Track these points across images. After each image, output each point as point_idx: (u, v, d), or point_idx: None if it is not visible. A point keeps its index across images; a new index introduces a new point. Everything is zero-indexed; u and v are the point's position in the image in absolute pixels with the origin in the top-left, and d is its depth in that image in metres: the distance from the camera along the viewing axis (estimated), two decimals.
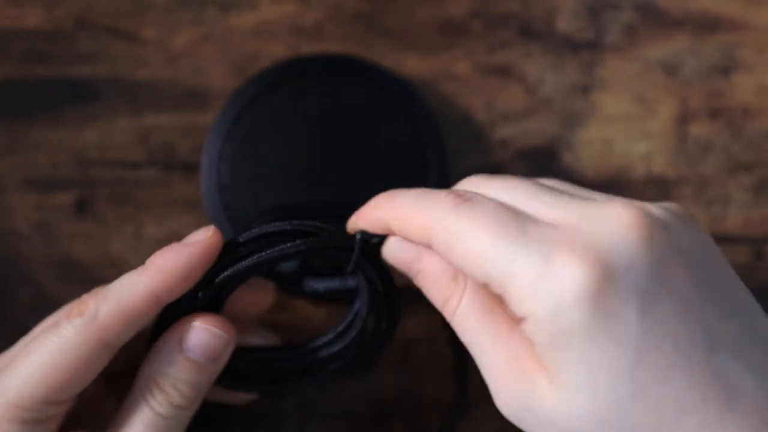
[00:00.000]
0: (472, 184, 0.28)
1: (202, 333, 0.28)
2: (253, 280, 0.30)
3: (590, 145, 0.39)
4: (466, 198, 0.26)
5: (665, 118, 0.39)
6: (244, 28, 0.39)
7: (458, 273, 0.27)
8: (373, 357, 0.31)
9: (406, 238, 0.27)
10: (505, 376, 0.25)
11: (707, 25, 0.40)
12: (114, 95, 0.38)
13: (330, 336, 0.31)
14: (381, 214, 0.28)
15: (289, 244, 0.28)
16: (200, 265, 0.28)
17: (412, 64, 0.39)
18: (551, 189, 0.26)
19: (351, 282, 0.36)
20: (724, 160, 0.39)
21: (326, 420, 0.36)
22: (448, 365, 0.37)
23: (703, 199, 0.38)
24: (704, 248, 0.25)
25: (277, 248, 0.28)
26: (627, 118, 0.39)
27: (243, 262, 0.28)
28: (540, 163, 0.38)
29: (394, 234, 0.28)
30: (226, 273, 0.28)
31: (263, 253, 0.28)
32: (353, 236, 0.29)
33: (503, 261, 0.24)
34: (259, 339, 0.33)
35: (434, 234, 0.26)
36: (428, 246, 0.27)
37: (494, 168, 0.38)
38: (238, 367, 0.30)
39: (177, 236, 0.29)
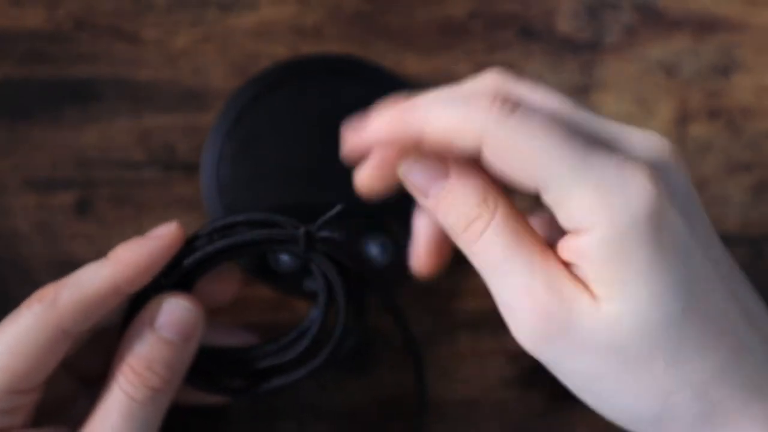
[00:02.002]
0: (502, 83, 0.26)
1: (172, 309, 0.28)
2: (217, 270, 0.30)
3: None
4: (513, 107, 0.24)
5: (665, 119, 0.39)
6: (245, 29, 0.39)
7: (488, 194, 0.26)
8: (340, 357, 0.31)
9: (444, 148, 0.26)
10: (539, 300, 0.24)
11: (707, 25, 0.40)
12: (114, 96, 0.38)
13: (286, 340, 0.31)
14: (413, 121, 0.26)
15: (240, 236, 0.28)
16: (161, 258, 0.28)
17: (412, 65, 0.39)
18: (583, 109, 0.26)
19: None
20: (724, 161, 0.39)
21: (326, 419, 0.36)
22: (447, 365, 0.37)
23: (703, 199, 0.38)
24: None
25: (230, 238, 0.28)
26: (627, 118, 0.39)
27: (195, 254, 0.29)
28: None
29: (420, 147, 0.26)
30: (183, 264, 0.29)
31: (216, 244, 0.29)
32: (298, 230, 0.28)
33: (572, 169, 0.24)
34: (233, 339, 0.33)
35: (488, 141, 0.24)
36: (471, 154, 0.25)
37: None
38: (205, 367, 0.30)
39: None
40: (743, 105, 0.39)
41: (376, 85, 0.37)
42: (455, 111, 0.25)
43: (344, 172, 0.36)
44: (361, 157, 0.29)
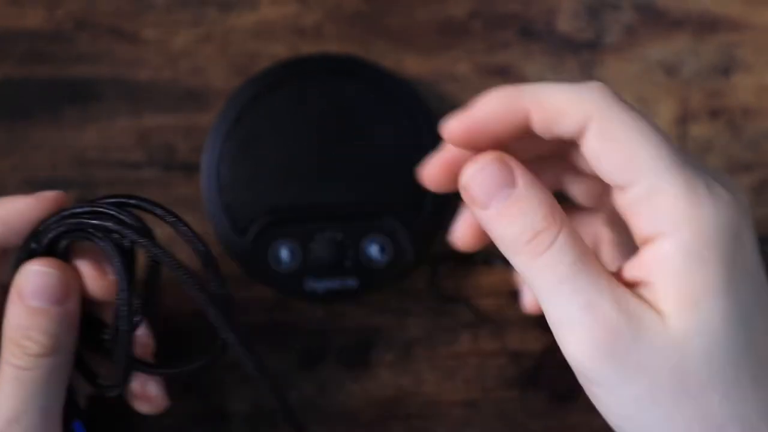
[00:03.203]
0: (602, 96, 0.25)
1: (34, 277, 0.28)
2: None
3: None
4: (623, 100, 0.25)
5: (665, 119, 0.39)
6: (244, 29, 0.39)
7: (555, 208, 0.25)
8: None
9: (546, 128, 0.26)
10: (606, 317, 0.24)
11: (707, 25, 0.40)
12: (114, 95, 0.38)
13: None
14: (522, 98, 0.26)
15: (75, 220, 0.28)
16: (29, 216, 0.29)
17: (412, 65, 0.39)
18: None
19: (351, 283, 0.36)
20: (724, 161, 0.39)
21: (326, 420, 0.36)
22: (448, 365, 0.37)
23: None
24: None
25: (86, 208, 0.28)
26: None
27: (49, 222, 0.29)
28: None
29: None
30: (46, 222, 0.29)
31: (71, 210, 0.29)
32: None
33: (670, 168, 0.24)
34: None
35: (597, 121, 0.25)
36: (569, 136, 0.25)
37: None
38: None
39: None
40: (744, 105, 0.39)
41: (376, 85, 0.37)
42: (568, 89, 0.25)
43: (343, 172, 0.36)
44: (459, 141, 0.28)
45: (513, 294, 0.37)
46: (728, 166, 0.39)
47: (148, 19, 0.38)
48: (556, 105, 0.25)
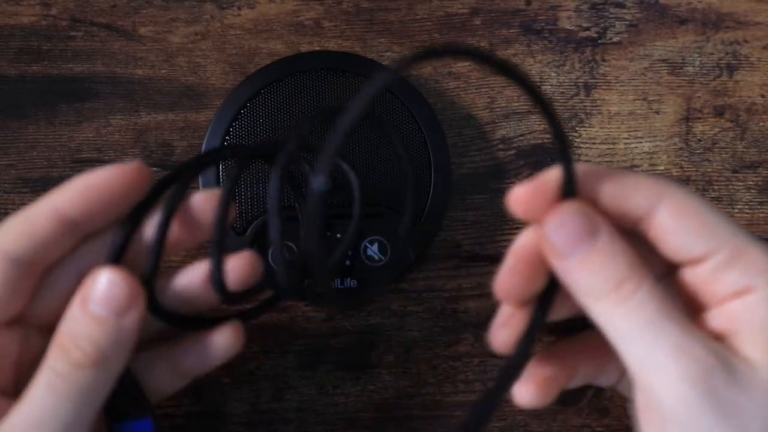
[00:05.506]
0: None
1: (103, 284, 0.27)
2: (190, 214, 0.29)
3: (593, 143, 0.38)
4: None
5: (669, 117, 0.38)
6: (243, 26, 0.38)
7: (637, 258, 0.25)
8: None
9: (617, 205, 0.26)
10: (698, 357, 0.24)
11: (711, 22, 0.39)
12: (110, 93, 0.37)
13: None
14: (593, 177, 0.26)
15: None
16: (110, 188, 0.28)
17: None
18: None
19: (351, 283, 0.35)
20: (729, 159, 0.38)
21: (325, 422, 0.36)
22: (449, 366, 0.37)
23: (708, 198, 0.38)
24: None
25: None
26: (630, 116, 0.38)
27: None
28: (543, 162, 0.38)
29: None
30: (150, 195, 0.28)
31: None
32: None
33: (741, 234, 0.25)
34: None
35: (669, 200, 0.26)
36: (641, 212, 0.26)
37: (496, 167, 0.38)
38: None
39: None
40: (748, 103, 0.39)
41: None
42: (637, 174, 0.27)
43: (343, 170, 0.36)
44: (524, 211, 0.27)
45: None
46: (733, 164, 0.38)
47: (144, 16, 0.38)
48: (625, 185, 0.26)
